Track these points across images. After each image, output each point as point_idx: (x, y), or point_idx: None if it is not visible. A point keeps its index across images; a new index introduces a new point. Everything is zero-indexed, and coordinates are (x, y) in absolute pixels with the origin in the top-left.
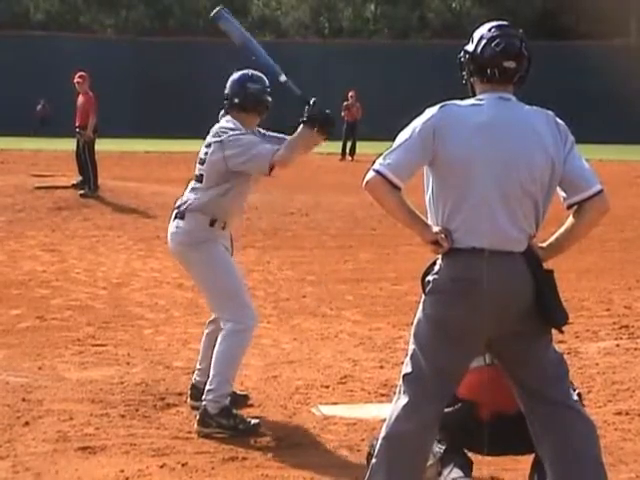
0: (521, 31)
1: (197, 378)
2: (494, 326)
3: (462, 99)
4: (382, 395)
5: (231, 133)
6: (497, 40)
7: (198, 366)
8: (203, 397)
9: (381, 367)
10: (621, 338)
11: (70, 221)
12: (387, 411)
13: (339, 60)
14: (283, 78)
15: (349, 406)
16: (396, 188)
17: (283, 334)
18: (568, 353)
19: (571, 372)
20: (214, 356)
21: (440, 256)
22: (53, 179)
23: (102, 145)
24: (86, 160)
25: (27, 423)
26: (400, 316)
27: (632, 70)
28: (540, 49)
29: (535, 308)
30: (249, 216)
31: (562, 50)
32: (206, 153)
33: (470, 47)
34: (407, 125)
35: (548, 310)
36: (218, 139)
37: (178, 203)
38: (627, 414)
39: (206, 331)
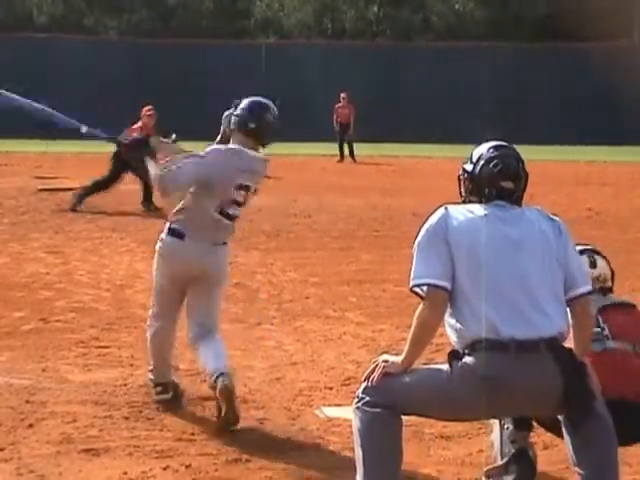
0: (518, 153)
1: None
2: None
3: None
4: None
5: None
6: (495, 161)
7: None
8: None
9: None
10: None
11: (73, 223)
12: None
13: (342, 61)
14: (84, 129)
15: (351, 408)
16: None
17: (286, 336)
18: None
19: None
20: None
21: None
22: (57, 181)
23: (105, 147)
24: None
25: (31, 425)
26: (403, 317)
27: (636, 71)
28: (543, 50)
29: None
30: (252, 218)
31: (565, 51)
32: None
33: (469, 167)
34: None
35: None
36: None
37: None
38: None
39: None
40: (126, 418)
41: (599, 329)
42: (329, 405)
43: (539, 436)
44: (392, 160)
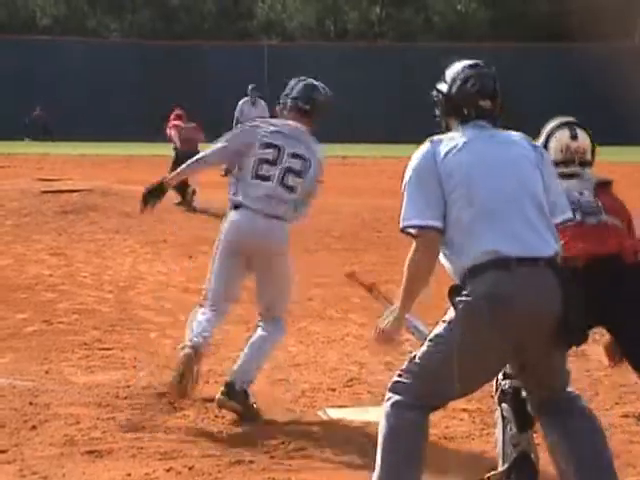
0: (494, 69)
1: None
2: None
3: None
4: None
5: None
6: (472, 80)
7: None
8: (233, 376)
9: (388, 370)
10: None
11: (76, 225)
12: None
13: (344, 63)
14: None
15: (356, 409)
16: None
17: (289, 337)
18: (575, 355)
19: (578, 374)
20: (256, 345)
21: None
22: (59, 183)
23: (109, 149)
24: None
25: (34, 427)
26: None
27: (636, 72)
28: (546, 51)
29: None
30: None
31: (568, 51)
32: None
33: (443, 87)
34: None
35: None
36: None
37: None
38: (634, 417)
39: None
40: (129, 420)
41: (595, 204)
42: (332, 406)
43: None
44: (394, 161)
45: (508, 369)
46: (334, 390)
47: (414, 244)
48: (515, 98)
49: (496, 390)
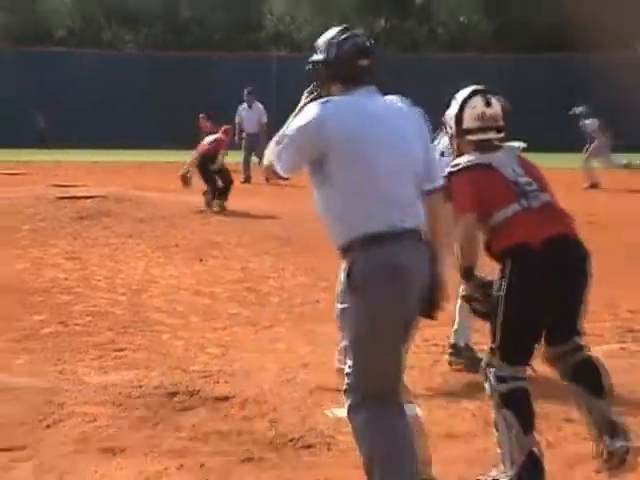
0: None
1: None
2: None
3: None
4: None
5: None
6: (349, 42)
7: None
8: (454, 338)
9: None
10: (625, 341)
11: (91, 229)
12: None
13: None
14: None
15: None
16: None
17: (297, 338)
18: None
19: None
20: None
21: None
22: (74, 189)
23: (120, 156)
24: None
25: (49, 426)
26: None
27: (637, 82)
28: (548, 61)
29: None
30: (264, 224)
31: (570, 62)
32: None
33: (319, 56)
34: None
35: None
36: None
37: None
38: (630, 415)
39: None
40: (142, 418)
41: (531, 184)
42: (338, 406)
43: (542, 434)
44: None
45: (505, 372)
46: (340, 390)
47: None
48: (515, 106)
49: (491, 395)
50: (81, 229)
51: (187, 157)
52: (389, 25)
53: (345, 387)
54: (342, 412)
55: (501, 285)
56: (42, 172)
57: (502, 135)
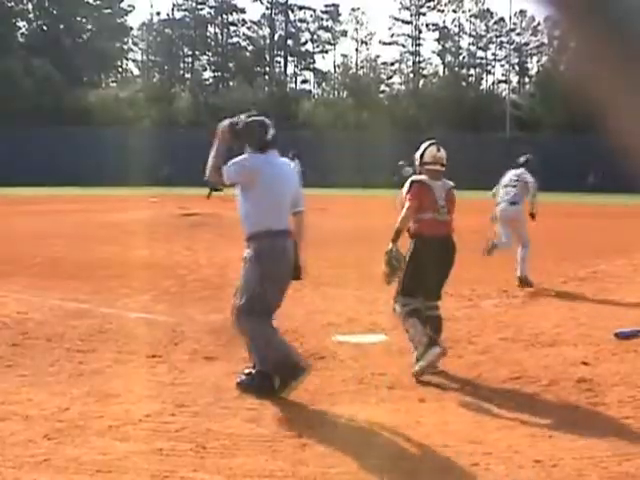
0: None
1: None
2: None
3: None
4: (371, 330)
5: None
6: (257, 120)
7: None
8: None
9: (370, 314)
10: (502, 297)
11: (198, 233)
12: (374, 339)
13: None
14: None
15: (352, 336)
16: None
17: (315, 296)
18: (474, 306)
19: (474, 317)
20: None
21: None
22: (189, 209)
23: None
24: None
25: (176, 343)
26: (373, 286)
27: None
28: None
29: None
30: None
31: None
32: None
33: (238, 128)
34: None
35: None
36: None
37: None
38: (506, 340)
39: None
40: (227, 341)
41: (444, 207)
42: (340, 334)
43: (543, 453)
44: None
45: (407, 301)
46: (341, 325)
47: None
48: None
49: (400, 314)
50: (192, 232)
51: None
52: None
53: (240, 308)
54: (342, 338)
55: (408, 253)
56: (170, 200)
57: (444, 169)
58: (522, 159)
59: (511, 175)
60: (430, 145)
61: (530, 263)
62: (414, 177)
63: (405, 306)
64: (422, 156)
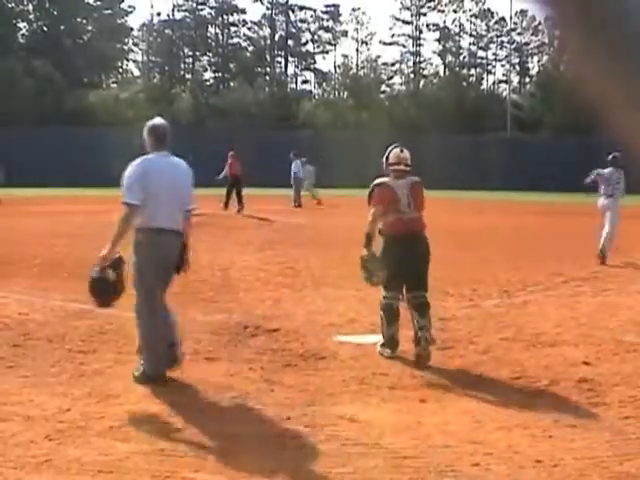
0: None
1: None
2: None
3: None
4: (372, 330)
5: None
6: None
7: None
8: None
9: (371, 314)
10: (502, 298)
11: (200, 233)
12: (375, 339)
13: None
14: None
15: (353, 336)
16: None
17: (316, 296)
18: (475, 306)
19: (475, 317)
20: None
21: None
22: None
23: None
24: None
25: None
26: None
27: None
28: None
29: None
30: (300, 229)
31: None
32: None
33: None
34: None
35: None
36: None
37: None
38: (507, 340)
39: None
40: (228, 341)
41: (409, 206)
42: (341, 334)
43: (544, 454)
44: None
45: (385, 294)
46: (342, 325)
47: (125, 211)
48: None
49: (380, 304)
50: (193, 233)
51: None
52: None
53: (136, 295)
54: (343, 338)
55: (380, 250)
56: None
57: (408, 169)
58: (611, 156)
59: (608, 172)
60: (394, 147)
61: (530, 262)
62: (376, 180)
63: (384, 298)
64: (387, 158)
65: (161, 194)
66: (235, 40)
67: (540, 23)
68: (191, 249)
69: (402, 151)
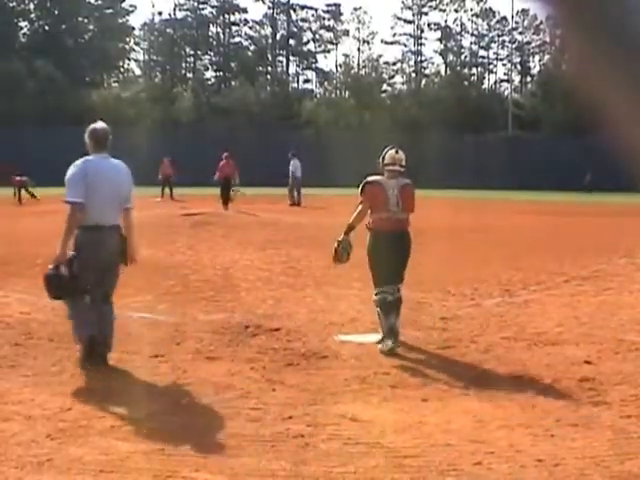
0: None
1: None
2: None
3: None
4: (373, 329)
5: None
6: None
7: None
8: None
9: (372, 314)
10: (504, 297)
11: (200, 232)
12: (374, 338)
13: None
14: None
15: (355, 335)
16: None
17: (318, 295)
18: (476, 305)
19: (476, 316)
20: None
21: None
22: (190, 209)
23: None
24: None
25: (179, 343)
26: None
27: None
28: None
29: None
30: (299, 229)
31: None
32: None
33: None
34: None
35: (123, 258)
36: None
37: None
38: (509, 339)
39: None
40: (229, 340)
41: (397, 205)
42: (342, 333)
43: (545, 453)
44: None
45: (377, 290)
46: (343, 324)
47: (70, 211)
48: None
49: (374, 300)
50: (195, 232)
51: None
52: None
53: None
54: (344, 337)
55: (368, 246)
56: (172, 202)
57: (402, 169)
58: None
59: None
60: (390, 148)
61: (532, 262)
62: (368, 178)
63: (376, 295)
64: (383, 158)
65: (100, 193)
66: (237, 39)
67: (541, 22)
68: (135, 243)
69: (397, 152)
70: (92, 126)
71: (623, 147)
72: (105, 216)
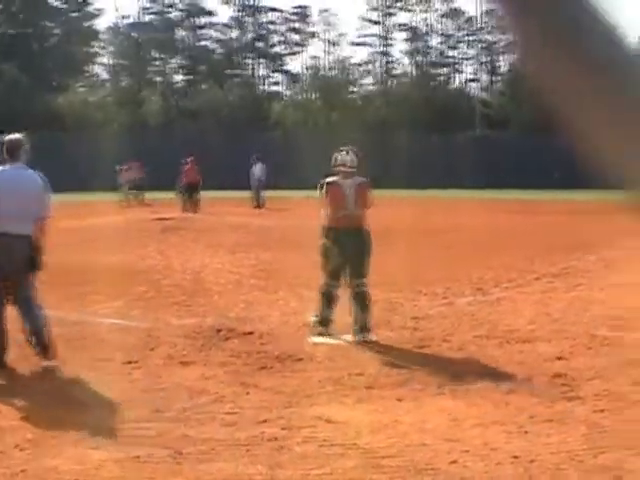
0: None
1: None
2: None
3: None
4: (347, 331)
5: None
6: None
7: None
8: None
9: (345, 315)
10: (476, 295)
11: (171, 237)
12: (350, 339)
13: None
14: None
15: (329, 337)
16: None
17: (290, 298)
18: (449, 304)
19: (449, 315)
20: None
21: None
22: (162, 214)
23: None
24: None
25: (152, 349)
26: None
27: None
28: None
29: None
30: (268, 231)
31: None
32: None
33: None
34: None
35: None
36: None
37: None
38: (481, 337)
39: None
40: (202, 345)
41: (354, 203)
42: (314, 335)
43: (520, 449)
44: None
45: (325, 282)
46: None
47: None
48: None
49: (319, 289)
50: (165, 237)
51: None
52: None
53: None
54: (318, 339)
55: (322, 242)
56: (142, 207)
57: (353, 170)
58: None
59: None
60: (341, 151)
61: (503, 260)
62: (327, 178)
63: (325, 285)
64: (335, 160)
65: (9, 202)
66: (204, 42)
67: (501, 20)
68: (43, 251)
69: (347, 154)
70: (7, 137)
71: (578, 146)
72: (12, 224)
